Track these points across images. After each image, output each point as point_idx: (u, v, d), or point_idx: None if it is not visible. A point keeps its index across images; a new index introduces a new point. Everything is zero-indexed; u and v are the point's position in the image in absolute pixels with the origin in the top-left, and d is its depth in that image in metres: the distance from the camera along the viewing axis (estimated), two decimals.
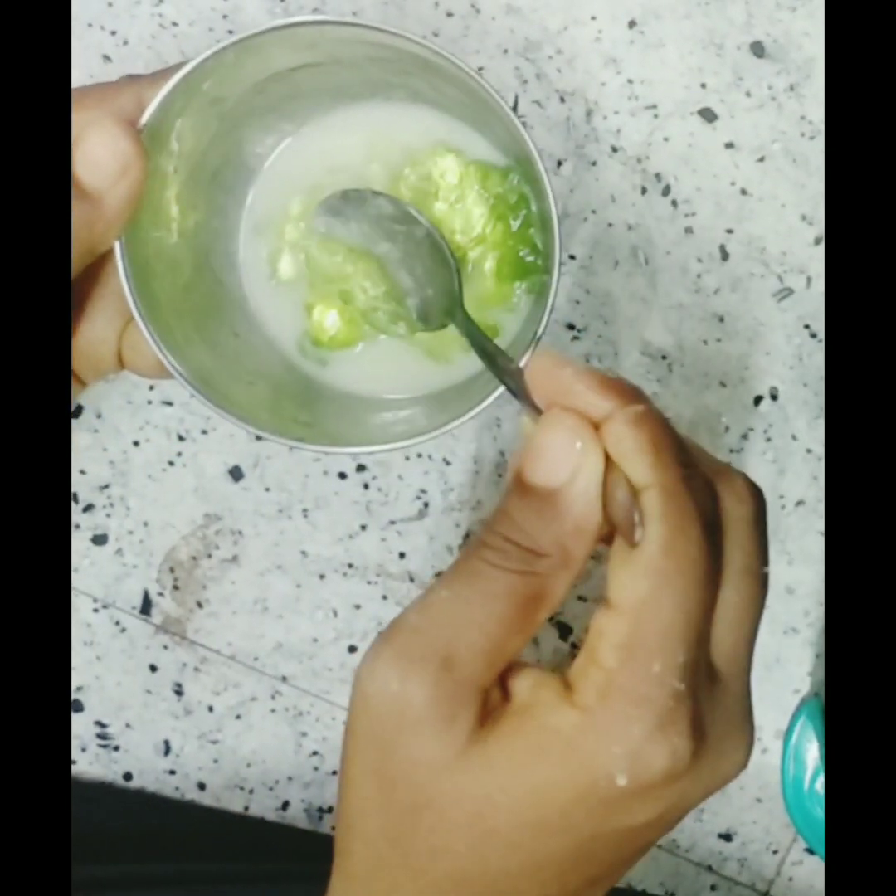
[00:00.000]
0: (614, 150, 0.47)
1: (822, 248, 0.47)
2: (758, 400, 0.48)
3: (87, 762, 0.50)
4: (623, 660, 0.27)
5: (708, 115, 0.47)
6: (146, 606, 0.49)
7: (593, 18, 0.47)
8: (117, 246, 0.35)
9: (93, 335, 0.38)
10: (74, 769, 0.50)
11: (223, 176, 0.40)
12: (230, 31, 0.47)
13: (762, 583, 0.29)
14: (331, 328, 0.42)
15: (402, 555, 0.49)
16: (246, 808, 0.50)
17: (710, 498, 0.28)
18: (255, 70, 0.37)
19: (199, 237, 0.40)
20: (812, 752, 0.47)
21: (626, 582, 0.27)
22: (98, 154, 0.34)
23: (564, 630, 0.49)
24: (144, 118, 0.35)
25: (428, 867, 0.28)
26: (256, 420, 0.37)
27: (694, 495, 0.27)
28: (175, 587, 0.49)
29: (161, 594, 0.49)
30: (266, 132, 0.41)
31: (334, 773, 0.50)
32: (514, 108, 0.47)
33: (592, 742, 0.27)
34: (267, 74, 0.38)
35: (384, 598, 0.49)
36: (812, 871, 0.49)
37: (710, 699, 0.28)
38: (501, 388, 0.35)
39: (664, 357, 0.47)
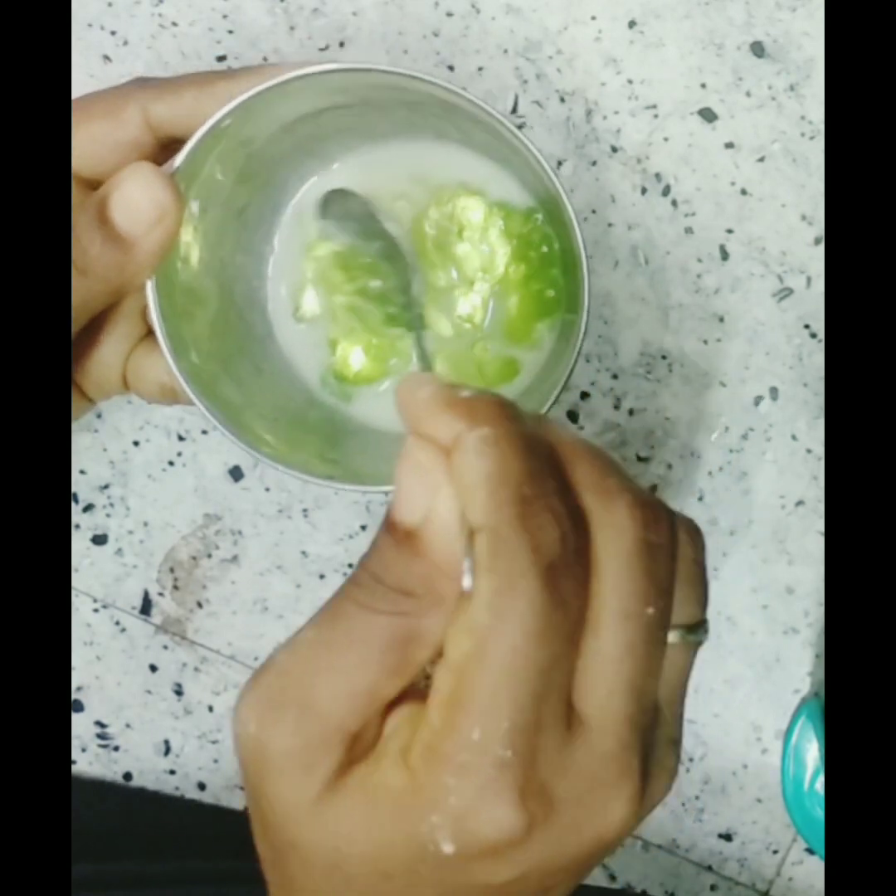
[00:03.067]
0: (614, 150, 0.47)
1: (822, 248, 0.47)
2: (758, 400, 0.48)
3: (87, 762, 0.50)
4: (444, 722, 0.25)
5: (708, 115, 0.47)
6: (146, 606, 0.49)
7: (593, 18, 0.47)
8: (150, 290, 0.35)
9: (99, 358, 0.38)
10: (74, 769, 0.50)
11: (249, 213, 0.41)
12: (230, 32, 0.47)
13: (649, 624, 0.26)
14: (356, 364, 0.42)
15: None
16: (246, 809, 0.50)
17: (564, 534, 0.25)
18: (285, 112, 0.37)
19: (225, 274, 0.40)
20: (812, 752, 0.47)
21: (454, 636, 0.25)
22: (135, 200, 0.34)
23: None
24: (178, 162, 0.35)
25: None
26: (285, 458, 0.37)
27: (534, 536, 0.24)
28: (175, 587, 0.49)
29: (161, 594, 0.49)
30: (292, 171, 0.41)
31: None
32: (514, 109, 0.47)
33: (416, 807, 0.25)
34: (296, 115, 0.38)
35: None
36: (812, 871, 0.49)
37: (564, 759, 0.25)
38: None
39: (664, 357, 0.47)
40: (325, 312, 0.42)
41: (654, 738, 0.27)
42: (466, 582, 0.25)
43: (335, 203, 0.40)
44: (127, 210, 0.34)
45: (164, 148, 0.36)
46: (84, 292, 0.34)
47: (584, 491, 0.26)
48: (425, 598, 0.26)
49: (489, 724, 0.24)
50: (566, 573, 0.25)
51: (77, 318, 0.35)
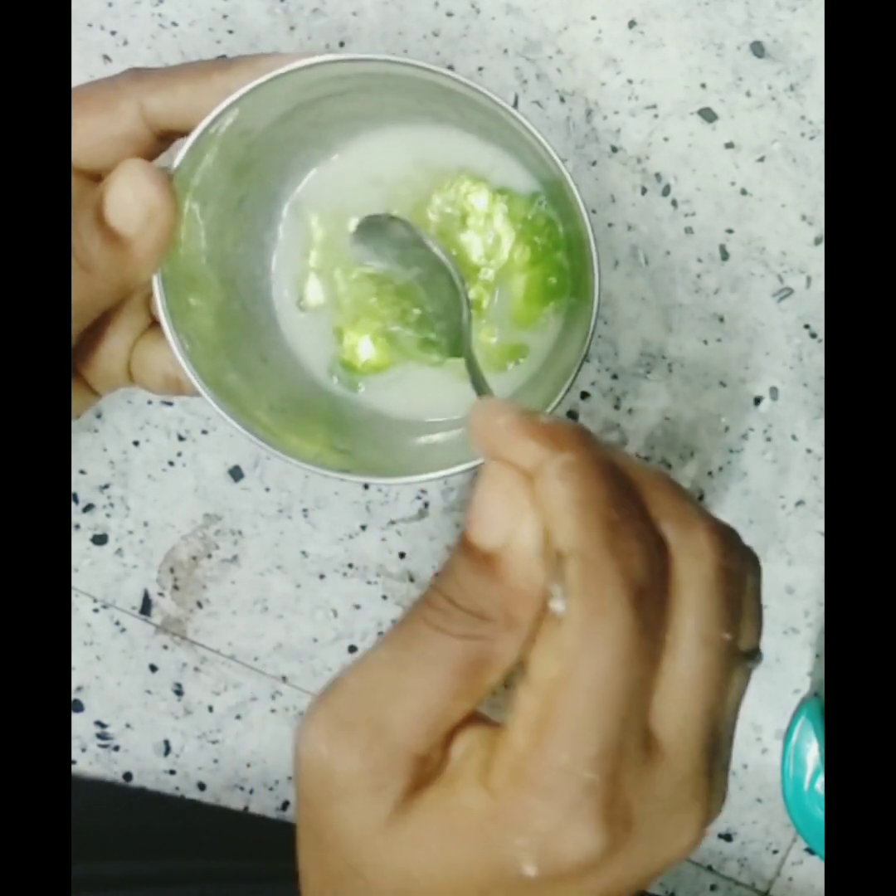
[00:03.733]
0: (614, 150, 0.47)
1: (822, 248, 0.47)
2: (758, 400, 0.48)
3: (87, 762, 0.50)
4: (531, 745, 0.25)
5: (708, 115, 0.47)
6: (146, 606, 0.49)
7: (593, 18, 0.47)
8: (156, 283, 0.35)
9: (104, 349, 0.38)
10: (74, 769, 0.50)
11: (250, 203, 0.41)
12: (230, 31, 0.47)
13: (725, 650, 0.26)
14: (364, 353, 0.42)
15: (402, 555, 0.49)
16: (246, 808, 0.50)
17: (651, 559, 0.25)
18: (283, 101, 0.37)
19: (227, 265, 0.40)
20: (812, 752, 0.47)
21: (542, 659, 0.25)
22: (125, 200, 0.34)
23: None
24: (177, 161, 0.35)
25: None
26: (296, 451, 0.37)
27: (623, 561, 0.25)
28: (175, 587, 0.49)
29: (161, 594, 0.49)
30: (292, 159, 0.41)
31: None
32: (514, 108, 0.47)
33: (499, 830, 0.25)
34: (294, 104, 0.38)
35: (384, 598, 0.49)
36: (812, 871, 0.49)
37: (643, 782, 0.26)
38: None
39: (664, 357, 0.47)
40: (329, 301, 0.42)
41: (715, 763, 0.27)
42: (558, 606, 0.25)
43: (374, 228, 0.40)
44: (120, 210, 0.34)
45: (162, 139, 0.36)
46: (91, 290, 0.35)
47: (662, 516, 0.26)
48: (500, 622, 0.26)
49: (577, 748, 0.25)
50: (653, 597, 0.25)
51: (86, 315, 0.35)
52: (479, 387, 0.37)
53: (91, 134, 0.35)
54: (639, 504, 0.26)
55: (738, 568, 0.27)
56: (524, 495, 0.26)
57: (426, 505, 0.48)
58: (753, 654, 0.28)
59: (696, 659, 0.26)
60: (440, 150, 0.41)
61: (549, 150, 0.35)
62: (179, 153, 0.35)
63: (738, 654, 0.27)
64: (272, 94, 0.36)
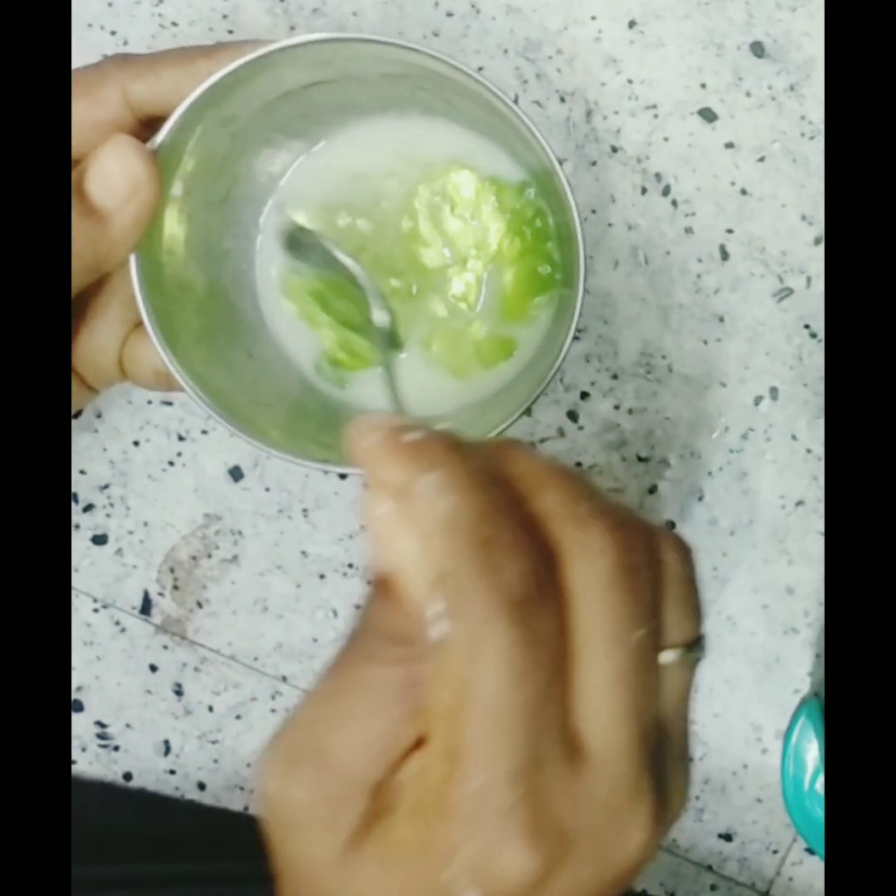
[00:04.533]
0: (614, 150, 0.47)
1: (822, 248, 0.47)
2: (758, 400, 0.48)
3: (87, 762, 0.50)
4: (446, 773, 0.25)
5: (708, 115, 0.47)
6: (146, 606, 0.49)
7: (593, 18, 0.47)
8: (136, 278, 0.35)
9: (94, 344, 0.38)
10: (74, 769, 0.50)
11: (235, 195, 0.40)
12: (230, 32, 0.47)
13: (640, 647, 0.25)
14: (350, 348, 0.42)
15: None
16: (246, 808, 0.50)
17: (529, 569, 0.24)
18: (268, 88, 0.36)
19: (212, 258, 0.40)
20: (812, 752, 0.47)
21: (434, 686, 0.25)
22: (110, 173, 0.34)
23: None
24: (158, 139, 0.34)
25: None
26: (279, 444, 0.36)
27: (497, 576, 0.24)
28: (175, 587, 0.49)
29: (161, 594, 0.49)
30: (278, 150, 0.41)
31: None
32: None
33: (434, 859, 0.25)
34: (279, 92, 0.37)
35: None
36: (812, 871, 0.49)
37: (572, 791, 0.25)
38: (524, 406, 0.35)
39: (664, 357, 0.47)
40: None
41: (663, 758, 0.27)
42: (438, 629, 0.25)
43: (297, 237, 0.39)
44: (102, 183, 0.34)
45: (146, 127, 0.36)
46: None
47: (551, 519, 0.26)
48: (418, 644, 0.25)
49: (488, 772, 0.24)
50: (537, 608, 0.25)
51: None
52: (391, 395, 0.35)
53: (75, 120, 0.35)
54: (523, 512, 0.25)
55: (642, 561, 0.26)
56: (395, 521, 0.25)
57: None
58: (694, 645, 0.27)
59: (607, 660, 0.25)
60: (428, 141, 0.40)
61: (538, 135, 0.34)
62: (160, 133, 0.35)
63: (656, 648, 0.26)
64: (256, 80, 0.35)
